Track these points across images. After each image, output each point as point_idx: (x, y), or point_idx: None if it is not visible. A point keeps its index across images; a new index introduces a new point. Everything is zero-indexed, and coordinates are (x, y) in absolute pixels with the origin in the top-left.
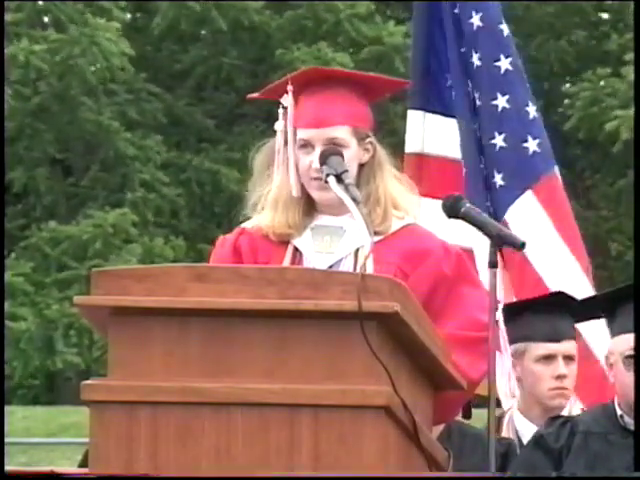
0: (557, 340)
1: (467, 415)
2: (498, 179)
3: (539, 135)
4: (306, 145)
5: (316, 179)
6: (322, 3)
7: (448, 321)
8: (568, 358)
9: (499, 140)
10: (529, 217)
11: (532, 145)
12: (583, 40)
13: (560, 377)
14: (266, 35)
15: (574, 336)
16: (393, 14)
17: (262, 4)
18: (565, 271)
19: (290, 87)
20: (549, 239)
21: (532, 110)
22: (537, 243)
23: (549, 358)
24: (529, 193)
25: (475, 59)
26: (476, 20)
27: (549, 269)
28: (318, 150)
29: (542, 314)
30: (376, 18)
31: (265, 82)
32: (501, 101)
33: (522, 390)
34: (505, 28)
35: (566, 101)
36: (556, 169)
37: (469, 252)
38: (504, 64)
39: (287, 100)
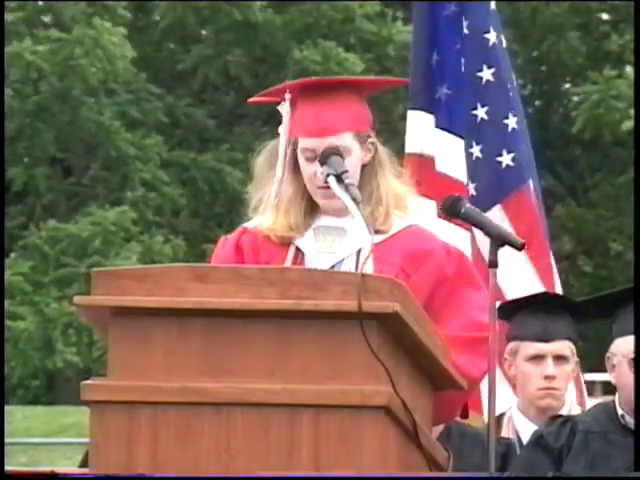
0: (546, 340)
1: (464, 414)
2: (471, 188)
3: (515, 148)
4: (309, 156)
5: (322, 187)
6: (328, 3)
7: (449, 322)
8: (559, 358)
9: (476, 150)
10: None
11: (506, 159)
12: (584, 41)
13: (548, 377)
14: (269, 34)
15: (569, 336)
16: (395, 14)
17: (265, 3)
18: (526, 289)
19: (288, 95)
20: (514, 256)
21: (512, 122)
22: (501, 259)
23: (538, 358)
24: (497, 208)
25: (461, 65)
26: (464, 27)
27: (511, 286)
28: None
29: (533, 314)
30: (386, 18)
31: (269, 81)
32: (480, 112)
33: (519, 390)
34: (493, 37)
35: (574, 99)
36: (530, 183)
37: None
38: (486, 74)
39: (284, 108)
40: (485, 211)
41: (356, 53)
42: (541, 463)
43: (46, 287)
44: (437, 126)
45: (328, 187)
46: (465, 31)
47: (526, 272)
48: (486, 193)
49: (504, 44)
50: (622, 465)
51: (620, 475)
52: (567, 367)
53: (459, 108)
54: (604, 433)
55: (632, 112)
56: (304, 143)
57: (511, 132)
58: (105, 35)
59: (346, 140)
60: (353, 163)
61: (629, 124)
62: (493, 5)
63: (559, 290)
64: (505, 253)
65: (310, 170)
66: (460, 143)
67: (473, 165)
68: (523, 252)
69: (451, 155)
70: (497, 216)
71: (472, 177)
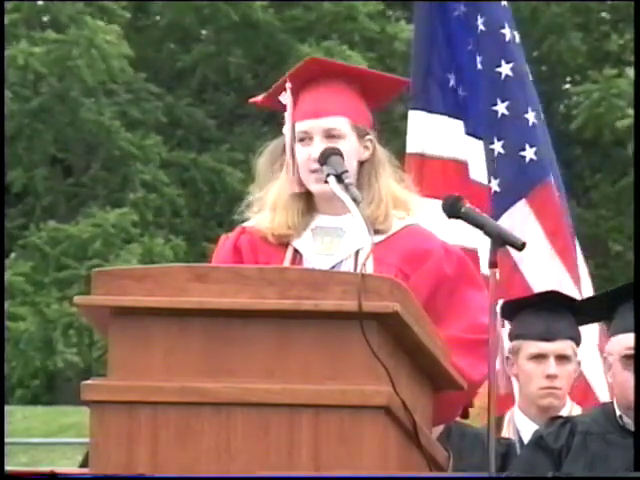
0: (549, 339)
1: (464, 414)
2: (494, 185)
3: (537, 143)
4: (304, 138)
5: (314, 171)
6: (330, 3)
7: (450, 323)
8: (562, 358)
9: (497, 146)
10: (521, 227)
11: (529, 153)
12: (584, 41)
13: (550, 377)
14: (270, 33)
15: (572, 336)
16: (395, 14)
17: (266, 3)
18: (555, 282)
19: (289, 84)
20: (541, 250)
21: (532, 117)
22: (529, 253)
23: (540, 357)
24: (522, 202)
25: (477, 62)
26: (479, 24)
27: (539, 279)
28: (317, 141)
29: (536, 312)
30: (390, 18)
31: (270, 81)
32: (500, 107)
33: (520, 389)
34: (508, 33)
35: (574, 98)
36: (552, 176)
37: (472, 252)
38: (505, 69)
39: (286, 98)
40: (510, 206)
41: (359, 51)
42: (541, 464)
43: (47, 288)
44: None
45: (320, 171)
46: (482, 28)
47: (554, 267)
48: (510, 188)
49: (517, 39)
50: (621, 466)
51: (620, 475)
52: (569, 367)
53: (475, 108)
54: (603, 434)
55: (630, 111)
56: (299, 126)
57: (532, 126)
58: (99, 34)
59: (341, 124)
60: (348, 150)
61: (625, 122)
62: (504, 2)
63: (588, 284)
64: (531, 248)
65: (304, 153)
66: (478, 144)
67: (495, 161)
68: (550, 246)
69: (475, 157)
70: (522, 211)
71: (494, 173)
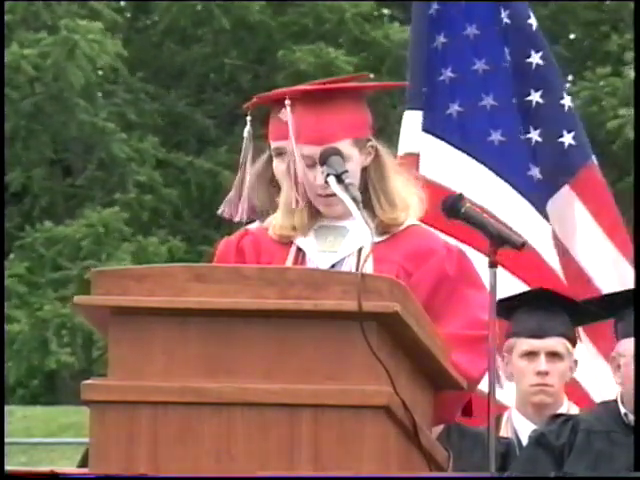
0: (540, 337)
1: (468, 413)
2: (535, 172)
3: (574, 127)
4: (308, 162)
5: (322, 196)
6: (324, 3)
7: (450, 321)
8: (553, 355)
9: (535, 135)
10: (568, 212)
11: (567, 139)
12: (581, 40)
13: (541, 373)
14: (267, 35)
15: (564, 333)
16: (393, 15)
17: (263, 4)
18: (611, 265)
19: (288, 102)
20: (591, 233)
21: (567, 101)
22: (580, 237)
23: (532, 354)
24: (566, 188)
25: (506, 55)
26: (504, 17)
27: (592, 262)
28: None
29: (529, 310)
30: (382, 19)
31: (266, 82)
32: (535, 96)
33: (515, 387)
34: (534, 22)
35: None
36: (594, 159)
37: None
38: (535, 59)
39: (285, 114)
40: (553, 193)
41: (350, 55)
42: (542, 461)
43: (42, 289)
44: (448, 142)
45: (328, 195)
46: (507, 21)
47: (606, 248)
48: (552, 175)
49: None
50: (625, 464)
51: (621, 475)
52: (561, 364)
53: (472, 128)
54: (607, 432)
55: (622, 111)
56: (303, 150)
57: (567, 112)
58: (79, 35)
59: (345, 147)
60: (353, 169)
61: (615, 122)
62: None
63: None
64: (582, 232)
65: (310, 176)
66: (458, 155)
67: (533, 149)
68: (599, 228)
69: (442, 162)
70: (567, 196)
71: (534, 161)
